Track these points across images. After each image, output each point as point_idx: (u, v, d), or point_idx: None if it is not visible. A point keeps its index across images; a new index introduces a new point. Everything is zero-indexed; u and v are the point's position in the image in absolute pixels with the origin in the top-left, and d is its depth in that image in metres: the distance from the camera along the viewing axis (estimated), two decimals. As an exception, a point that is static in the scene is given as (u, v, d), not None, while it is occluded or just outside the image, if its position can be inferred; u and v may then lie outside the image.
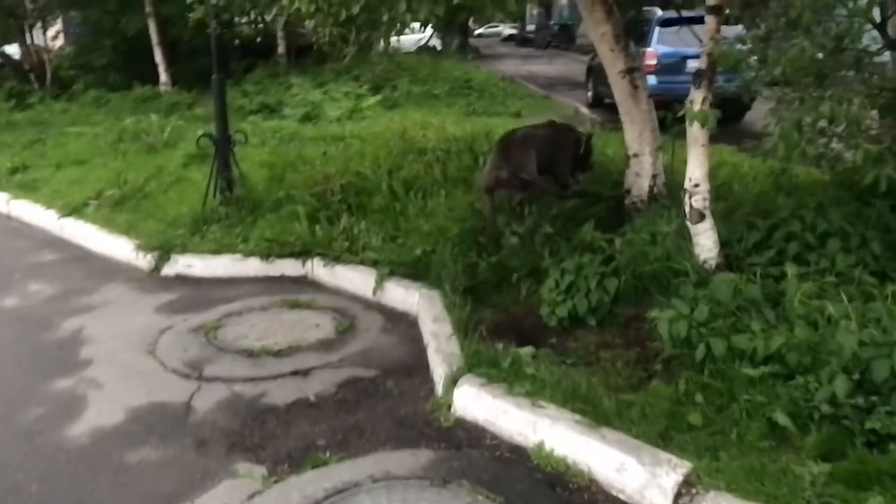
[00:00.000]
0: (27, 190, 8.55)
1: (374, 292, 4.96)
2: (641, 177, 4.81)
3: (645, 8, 14.13)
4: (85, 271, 5.96)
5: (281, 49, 17.87)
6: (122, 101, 16.30)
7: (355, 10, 3.41)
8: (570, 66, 25.87)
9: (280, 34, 17.77)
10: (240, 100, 14.92)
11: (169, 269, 5.74)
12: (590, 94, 16.10)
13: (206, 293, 5.34)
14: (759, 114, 12.65)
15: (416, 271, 4.91)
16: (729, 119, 12.70)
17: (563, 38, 37.55)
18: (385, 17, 3.55)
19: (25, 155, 10.41)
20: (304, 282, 5.50)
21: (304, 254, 5.59)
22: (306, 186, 6.41)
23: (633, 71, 4.75)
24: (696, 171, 3.72)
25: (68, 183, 8.55)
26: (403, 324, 4.60)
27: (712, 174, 5.57)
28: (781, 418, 2.88)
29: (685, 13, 12.94)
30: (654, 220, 4.23)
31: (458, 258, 4.70)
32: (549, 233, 4.38)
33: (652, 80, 12.67)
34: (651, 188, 4.80)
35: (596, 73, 15.92)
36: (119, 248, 6.18)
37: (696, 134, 3.69)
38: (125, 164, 8.84)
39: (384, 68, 16.61)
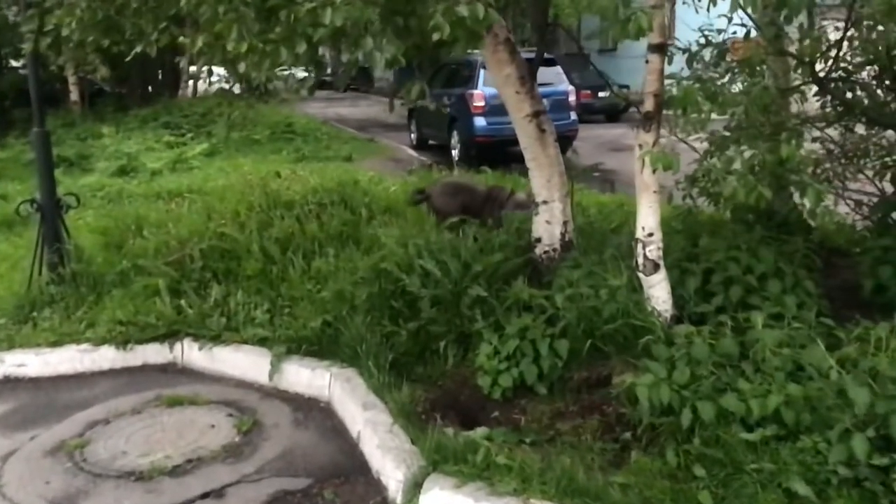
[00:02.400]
0: None
1: (271, 377, 4.25)
2: (552, 224, 4.57)
3: (469, 51, 14.37)
4: None
5: (74, 95, 16.09)
6: None
7: (300, 49, 2.83)
8: (374, 108, 25.97)
9: (72, 79, 16.02)
10: (29, 153, 13.13)
11: (-8, 371, 4.61)
12: (413, 136, 16.10)
13: (50, 398, 4.32)
14: (586, 151, 13.37)
15: (320, 348, 4.28)
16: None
17: (362, 80, 37.77)
18: (346, 57, 2.93)
19: None
20: (174, 370, 4.64)
21: (170, 336, 4.74)
22: (157, 254, 5.50)
23: (540, 114, 4.52)
24: (648, 219, 3.50)
25: None
26: (316, 412, 3.96)
27: (602, 218, 5.55)
28: (801, 487, 2.66)
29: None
30: (588, 271, 3.97)
31: (372, 328, 4.14)
32: (480, 295, 3.96)
33: (481, 121, 12.96)
34: (563, 235, 4.57)
35: (419, 115, 15.96)
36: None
37: (647, 180, 3.48)
38: None
39: (198, 113, 15.51)
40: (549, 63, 12.68)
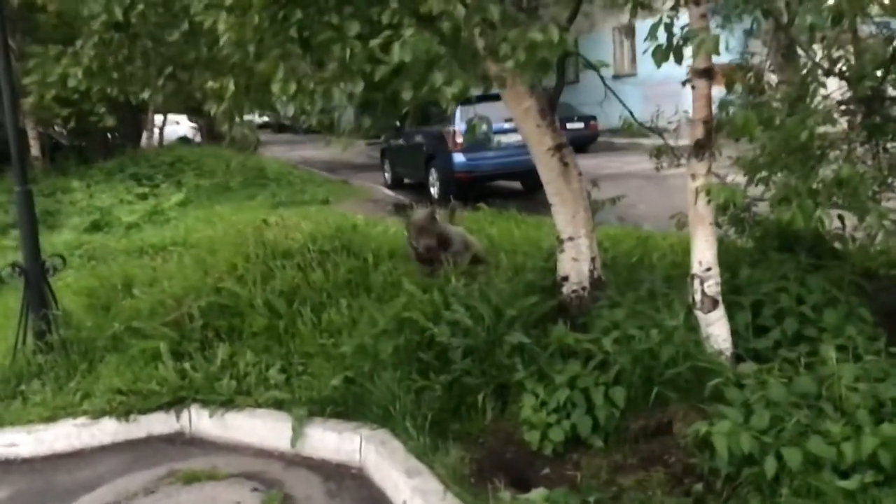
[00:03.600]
0: None
1: (294, 443, 3.92)
2: (580, 261, 4.35)
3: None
4: None
5: (35, 150, 15.55)
6: None
7: (357, 88, 2.58)
8: (336, 149, 25.71)
9: (32, 133, 15.49)
10: (-3, 212, 12.65)
11: (-20, 454, 4.20)
12: (387, 175, 15.94)
13: (49, 481, 3.93)
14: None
15: (345, 408, 3.97)
16: (531, 189, 13.19)
17: (320, 123, 37.49)
18: (408, 94, 2.70)
19: None
20: (182, 441, 4.28)
21: (175, 403, 4.38)
22: (152, 315, 5.15)
23: (563, 147, 4.33)
24: (705, 253, 3.30)
25: None
26: (349, 481, 3.64)
27: (620, 252, 5.36)
28: (914, 537, 2.44)
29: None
30: (632, 311, 3.74)
31: (401, 384, 3.85)
32: (522, 342, 3.70)
33: (460, 158, 12.83)
34: (591, 272, 4.36)
35: (392, 154, 15.83)
36: None
37: (702, 212, 3.29)
38: None
39: (165, 162, 15.13)
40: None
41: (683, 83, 3.50)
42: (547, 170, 4.37)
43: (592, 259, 4.40)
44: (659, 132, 4.52)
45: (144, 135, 19.61)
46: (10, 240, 9.94)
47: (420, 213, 5.06)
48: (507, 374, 3.79)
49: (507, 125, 12.98)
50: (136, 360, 4.74)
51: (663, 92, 14.73)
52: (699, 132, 3.27)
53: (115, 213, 10.07)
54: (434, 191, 13.28)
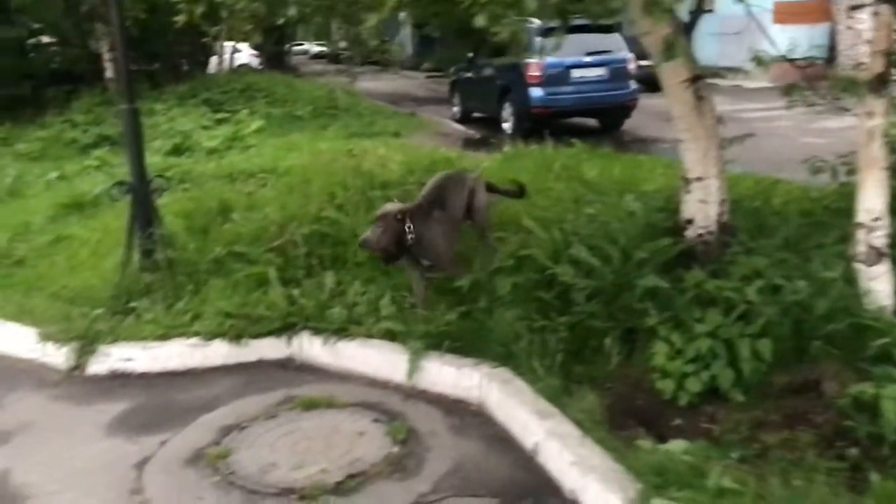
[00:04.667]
0: None
1: (410, 375, 3.86)
2: (708, 203, 4.12)
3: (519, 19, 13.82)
4: (-36, 379, 4.29)
5: (109, 73, 15.61)
6: None
7: None
8: (397, 82, 25.48)
9: (107, 56, 15.54)
10: (69, 132, 12.84)
11: (98, 366, 4.25)
12: (456, 109, 15.63)
13: (166, 397, 3.96)
14: (638, 121, 12.87)
15: (463, 344, 3.88)
16: (609, 127, 12.77)
17: (378, 54, 37.04)
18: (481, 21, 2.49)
19: None
20: (292, 366, 4.26)
21: (286, 329, 4.35)
22: (253, 240, 5.12)
23: (699, 80, 4.06)
24: (875, 200, 3.07)
25: None
26: (470, 418, 3.56)
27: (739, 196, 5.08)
28: None
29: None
30: (778, 259, 3.53)
31: (524, 323, 3.74)
32: (659, 286, 3.53)
33: (538, 92, 12.45)
34: (720, 216, 4.13)
35: (462, 87, 15.48)
36: (9, 339, 4.55)
37: (875, 154, 3.03)
38: (-37, 220, 6.89)
39: (236, 89, 15.08)
40: (609, 30, 12.17)
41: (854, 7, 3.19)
42: (679, 103, 4.11)
43: (722, 201, 4.17)
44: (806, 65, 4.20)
45: (212, 61, 19.56)
46: (92, 159, 10.07)
47: (387, 207, 4.20)
48: (635, 318, 3.64)
49: (587, 59, 12.61)
50: (241, 284, 4.72)
51: (738, 28, 14.07)
52: (878, 65, 2.99)
53: (195, 138, 10.06)
54: (507, 126, 12.98)
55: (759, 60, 4.67)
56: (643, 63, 18.54)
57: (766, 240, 3.86)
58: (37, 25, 16.26)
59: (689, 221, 4.23)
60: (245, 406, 3.75)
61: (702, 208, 4.17)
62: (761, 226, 4.19)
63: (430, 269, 4.23)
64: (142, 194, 4.89)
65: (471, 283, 4.11)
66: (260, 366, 4.25)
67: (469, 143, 12.27)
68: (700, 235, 4.17)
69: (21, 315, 4.69)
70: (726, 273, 3.67)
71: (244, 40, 24.50)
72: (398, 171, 5.72)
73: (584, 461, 2.88)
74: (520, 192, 4.95)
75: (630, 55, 13.01)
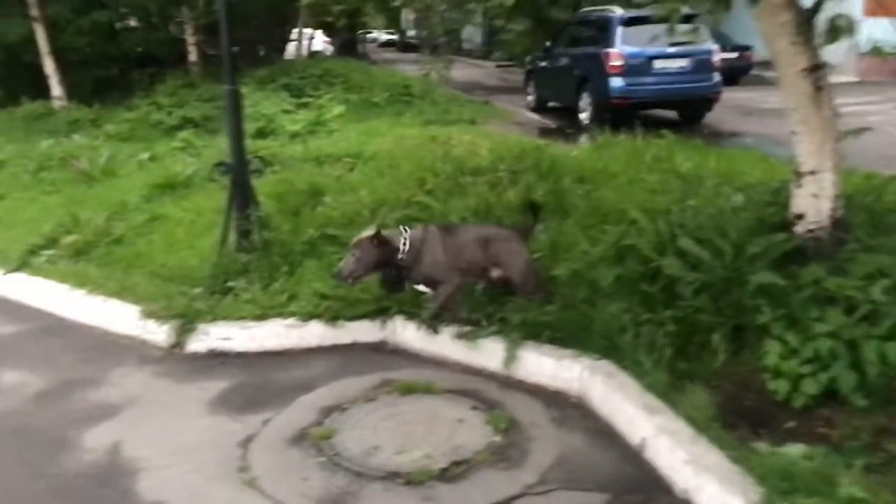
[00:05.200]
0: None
1: (507, 364, 3.82)
2: (820, 198, 3.94)
3: (600, 7, 13.58)
4: (72, 350, 4.45)
5: (193, 56, 16.03)
6: (9, 120, 14.08)
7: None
8: (469, 70, 25.36)
9: (191, 40, 15.95)
10: (155, 114, 13.19)
11: (197, 345, 4.34)
12: (531, 98, 15.48)
13: (265, 376, 4.02)
14: (720, 114, 12.48)
15: (563, 335, 3.81)
16: (689, 120, 12.40)
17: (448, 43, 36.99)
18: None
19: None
20: (385, 350, 4.27)
21: (380, 313, 4.36)
22: (345, 223, 5.15)
23: (818, 69, 3.87)
24: None
25: (-11, 225, 6.82)
26: (571, 410, 3.50)
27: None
28: None
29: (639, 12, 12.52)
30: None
31: (628, 315, 3.64)
32: (775, 283, 3.39)
33: (618, 82, 12.19)
34: (833, 211, 3.94)
35: (538, 76, 15.31)
36: (112, 315, 4.69)
37: None
38: (65, 199, 7.16)
39: (314, 75, 15.25)
40: (692, 19, 11.82)
41: None
42: (796, 93, 3.93)
43: (835, 197, 3.98)
44: None
45: (289, 47, 19.86)
46: (178, 141, 10.31)
47: (360, 234, 3.99)
48: (745, 315, 3.51)
49: (670, 49, 12.27)
50: (333, 265, 4.74)
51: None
52: None
53: (279, 122, 10.20)
54: (584, 116, 12.77)
55: (878, 50, 4.44)
56: (722, 56, 18.15)
57: (885, 238, 3.66)
58: (124, 9, 16.75)
59: (800, 216, 4.04)
60: (343, 388, 3.78)
61: (814, 203, 3.99)
62: (877, 223, 3.99)
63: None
64: (240, 175, 4.97)
65: (570, 273, 4.03)
66: (354, 348, 4.27)
67: (545, 133, 12.11)
68: (811, 231, 3.99)
69: (123, 292, 4.83)
70: (845, 271, 3.50)
71: (321, 27, 24.87)
72: (488, 158, 5.67)
73: (699, 460, 2.79)
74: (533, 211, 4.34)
75: (715, 46, 12.63)
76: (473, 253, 4.02)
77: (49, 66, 14.37)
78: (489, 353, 3.90)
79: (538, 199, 4.60)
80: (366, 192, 5.44)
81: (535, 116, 14.41)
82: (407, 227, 4.06)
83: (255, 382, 3.94)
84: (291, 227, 5.25)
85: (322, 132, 9.76)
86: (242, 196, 4.99)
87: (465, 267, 4.01)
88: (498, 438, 3.23)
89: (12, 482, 3.09)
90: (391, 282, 4.01)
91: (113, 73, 16.18)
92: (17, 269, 5.53)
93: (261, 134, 9.86)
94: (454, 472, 3.00)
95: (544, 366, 3.73)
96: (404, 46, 42.72)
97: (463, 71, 25.14)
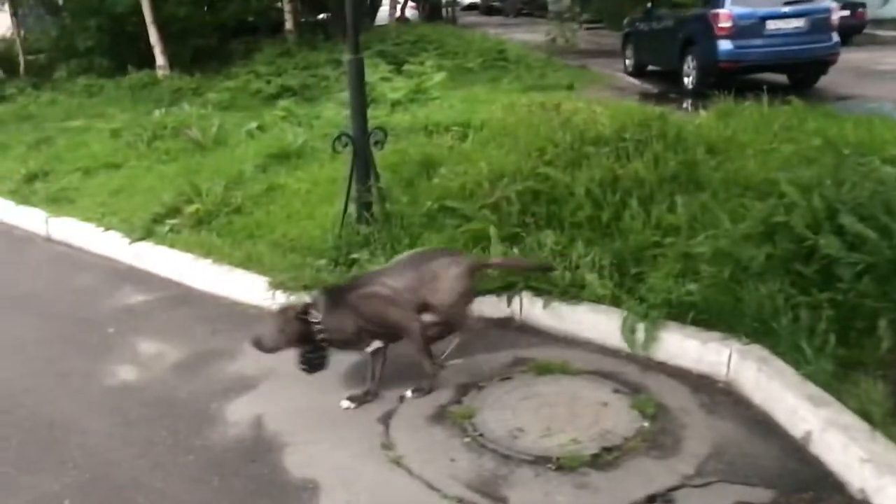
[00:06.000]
0: (60, 203, 7.02)
1: (646, 346, 3.66)
2: None
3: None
4: (203, 320, 4.54)
5: (289, 24, 16.17)
6: (116, 89, 14.57)
7: None
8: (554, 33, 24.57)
9: (287, 7, 16.08)
10: (254, 83, 13.39)
11: (324, 316, 4.35)
12: (629, 62, 14.96)
13: (394, 350, 3.96)
14: (833, 77, 11.71)
15: (709, 316, 3.62)
16: (801, 84, 11.69)
17: (533, 5, 36.16)
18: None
19: (36, 158, 8.80)
20: (512, 326, 4.18)
21: (506, 289, 4.26)
22: (463, 195, 5.05)
23: None
24: None
25: (110, 193, 7.06)
26: (720, 396, 3.33)
27: None
28: None
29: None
30: None
31: (780, 297, 3.42)
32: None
33: (727, 45, 11.57)
34: None
35: (638, 38, 14.74)
36: (239, 285, 4.76)
37: None
38: (180, 167, 7.32)
39: (408, 41, 15.16)
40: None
41: None
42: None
43: None
44: None
45: (382, 12, 19.83)
46: (279, 110, 10.41)
47: (288, 302, 3.74)
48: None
49: (785, 9, 11.57)
50: (456, 239, 4.67)
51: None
52: None
53: (379, 90, 10.16)
54: (688, 81, 12.25)
55: None
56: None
57: None
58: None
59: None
60: (476, 364, 3.71)
61: None
62: None
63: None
64: (362, 146, 4.92)
65: (713, 250, 3.82)
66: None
67: (647, 98, 11.66)
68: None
69: (248, 262, 4.89)
70: None
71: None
72: (609, 127, 5.44)
73: (880, 459, 2.58)
74: (546, 268, 4.06)
75: (834, 4, 11.85)
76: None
77: (153, 36, 14.76)
78: (619, 333, 3.75)
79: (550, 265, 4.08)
80: (484, 163, 5.30)
81: (634, 81, 13.92)
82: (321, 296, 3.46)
83: (391, 355, 3.91)
84: (409, 198, 5.19)
85: (422, 100, 9.65)
86: (363, 167, 4.95)
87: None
88: (647, 424, 3.10)
89: (161, 455, 3.16)
90: (310, 362, 3.44)
91: (211, 42, 16.49)
92: (143, 237, 5.69)
93: (363, 102, 9.84)
94: (606, 458, 2.90)
95: (688, 348, 3.56)
96: (487, 9, 42.14)
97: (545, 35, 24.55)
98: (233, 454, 3.12)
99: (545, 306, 4.08)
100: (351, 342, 3.44)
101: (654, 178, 4.76)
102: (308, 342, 3.39)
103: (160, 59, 14.83)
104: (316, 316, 3.33)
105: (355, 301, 3.37)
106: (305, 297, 3.89)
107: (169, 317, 4.66)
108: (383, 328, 3.41)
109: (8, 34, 19.10)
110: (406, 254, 3.82)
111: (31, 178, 7.99)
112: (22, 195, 7.43)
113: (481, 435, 3.09)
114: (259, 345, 3.42)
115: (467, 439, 3.08)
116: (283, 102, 10.95)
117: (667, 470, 2.81)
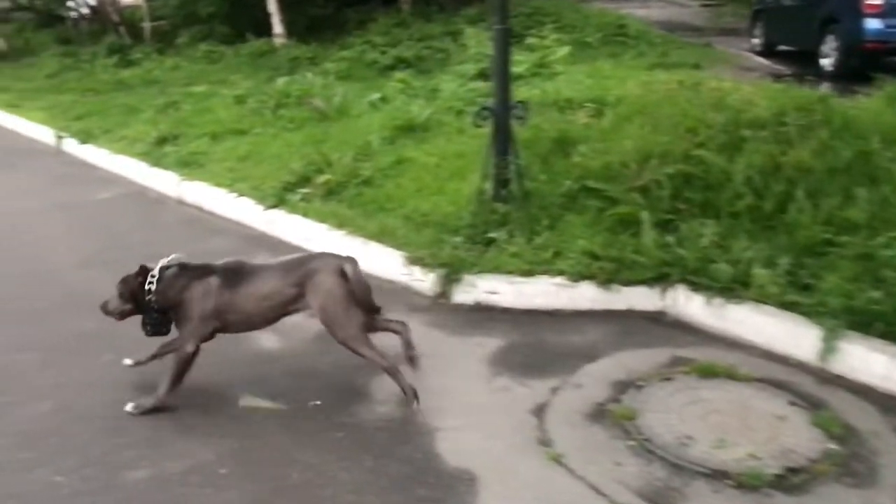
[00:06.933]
0: (190, 167, 7.16)
1: (823, 357, 3.33)
2: None
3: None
4: (338, 293, 4.46)
5: (387, -6, 16.06)
6: (235, 57, 14.91)
7: None
8: (669, 9, 23.55)
9: (406, -24, 15.97)
10: (370, 53, 13.36)
11: (463, 296, 4.22)
12: (757, 41, 14.10)
13: (538, 337, 3.81)
14: None
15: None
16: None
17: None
18: None
19: (165, 122, 9.04)
20: (665, 322, 3.92)
21: (659, 280, 4.00)
22: (606, 176, 4.77)
23: None
24: None
25: (238, 159, 7.14)
26: (919, 420, 2.98)
27: None
28: None
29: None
30: None
31: None
32: None
33: (875, 24, 10.67)
34: None
35: (770, 15, 13.86)
36: (374, 259, 4.66)
37: None
38: (305, 136, 7.33)
39: (524, 14, 14.76)
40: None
41: None
42: None
43: None
44: None
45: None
46: (395, 81, 10.29)
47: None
48: None
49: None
50: (602, 223, 4.43)
51: None
52: None
53: (501, 63, 9.90)
54: (826, 62, 11.38)
55: None
56: None
57: None
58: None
59: None
60: (630, 360, 3.48)
61: None
62: None
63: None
64: (503, 121, 4.72)
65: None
66: (630, 316, 3.96)
67: (780, 80, 10.93)
68: None
69: (382, 235, 4.79)
70: None
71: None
72: (768, 109, 5.03)
73: None
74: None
75: None
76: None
77: (272, 5, 14.97)
78: (796, 340, 3.44)
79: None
80: (629, 142, 5.00)
81: (764, 61, 13.10)
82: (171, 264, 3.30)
83: (530, 343, 3.74)
84: (547, 177, 4.96)
85: (546, 74, 9.32)
86: (503, 142, 4.74)
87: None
88: (834, 446, 2.79)
89: (315, 428, 3.09)
90: (150, 324, 3.30)
91: (327, 11, 16.59)
92: (275, 205, 5.69)
93: (482, 75, 9.62)
94: (792, 480, 2.62)
95: (874, 363, 3.21)
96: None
97: (662, 10, 23.54)
98: (384, 434, 3.02)
99: (706, 303, 3.79)
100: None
101: (822, 167, 4.36)
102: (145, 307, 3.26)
103: (278, 28, 15.03)
104: (151, 282, 3.21)
105: (185, 283, 3.21)
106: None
107: (303, 287, 4.62)
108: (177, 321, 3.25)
109: (133, 1, 19.90)
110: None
111: (161, 141, 8.20)
112: (154, 157, 7.63)
113: (648, 440, 2.86)
114: (104, 309, 3.37)
115: (631, 442, 2.86)
116: (398, 74, 10.84)
117: (864, 502, 2.52)
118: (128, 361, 3.46)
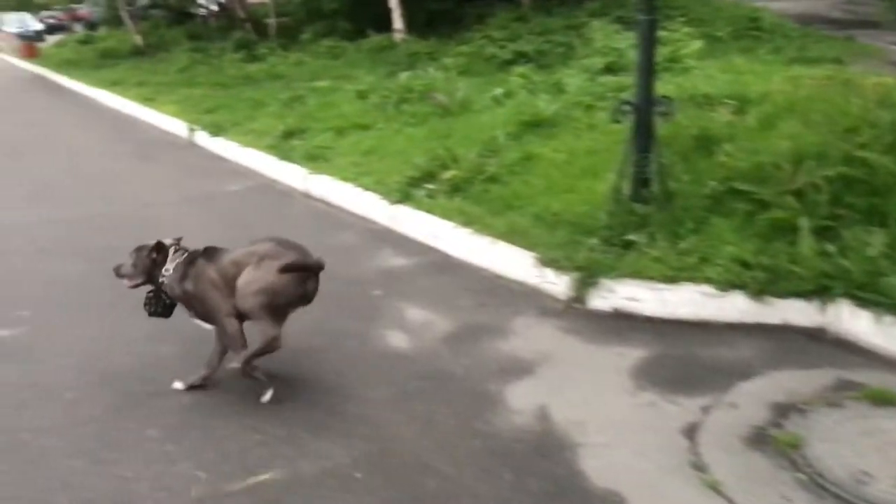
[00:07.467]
0: (316, 161, 7.24)
1: None
2: None
3: None
4: (467, 292, 4.36)
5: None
6: (355, 52, 15.15)
7: None
8: (803, 2, 22.08)
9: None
10: (489, 48, 13.23)
11: (599, 302, 4.01)
12: (907, 34, 12.98)
13: (685, 350, 3.55)
14: None
15: None
16: None
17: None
18: None
19: (291, 116, 9.23)
20: (824, 339, 3.58)
21: (818, 293, 3.65)
22: (755, 177, 4.43)
23: None
24: None
25: (362, 154, 7.17)
26: None
27: None
28: None
29: None
30: None
31: None
32: None
33: None
34: None
35: (923, 7, 12.77)
36: (503, 259, 4.54)
37: None
38: (428, 131, 7.28)
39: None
40: None
41: None
42: None
43: None
44: None
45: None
46: (515, 76, 10.09)
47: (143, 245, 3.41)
48: None
49: None
50: (751, 228, 4.10)
51: None
52: None
53: (629, 57, 9.53)
54: None
55: None
56: None
57: None
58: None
59: None
60: (789, 381, 3.18)
61: None
62: None
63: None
64: (645, 116, 4.46)
65: None
66: (785, 332, 3.64)
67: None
68: None
69: (511, 235, 4.64)
70: None
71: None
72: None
73: None
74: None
75: None
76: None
77: (392, 0, 15.07)
78: None
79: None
80: (784, 143, 4.63)
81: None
82: (186, 250, 3.37)
83: (677, 356, 3.50)
84: (691, 177, 4.66)
85: (677, 69, 8.89)
86: (644, 140, 4.48)
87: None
88: None
89: (446, 434, 2.98)
90: (154, 303, 3.39)
91: (446, 6, 16.58)
92: (400, 200, 5.65)
93: (610, 70, 9.30)
94: None
95: None
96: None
97: (799, 3, 22.18)
98: (522, 446, 2.86)
99: (875, 321, 3.42)
100: (184, 303, 3.34)
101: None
102: (155, 283, 3.36)
103: (398, 23, 15.14)
104: (164, 261, 3.32)
105: (199, 271, 3.25)
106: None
107: (432, 284, 4.54)
108: (203, 310, 3.29)
109: (261, -1, 20.62)
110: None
111: (288, 134, 8.37)
112: (282, 151, 7.78)
113: (819, 474, 2.57)
114: (117, 272, 3.43)
115: (800, 475, 2.58)
116: (519, 69, 10.65)
117: None
118: (178, 385, 3.39)
